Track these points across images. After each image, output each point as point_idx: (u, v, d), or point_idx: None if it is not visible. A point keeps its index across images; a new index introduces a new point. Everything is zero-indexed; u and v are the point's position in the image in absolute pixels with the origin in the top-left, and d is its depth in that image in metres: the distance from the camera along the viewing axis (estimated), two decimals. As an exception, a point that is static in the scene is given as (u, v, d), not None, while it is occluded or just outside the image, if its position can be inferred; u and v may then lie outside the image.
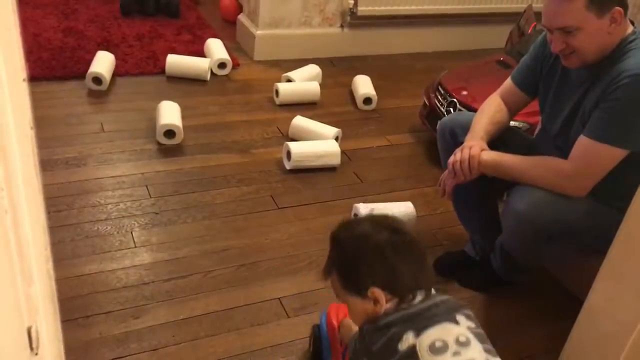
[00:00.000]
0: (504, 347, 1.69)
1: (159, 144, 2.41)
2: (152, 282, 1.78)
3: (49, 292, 0.54)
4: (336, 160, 2.40)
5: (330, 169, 2.40)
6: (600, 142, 1.50)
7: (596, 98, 1.52)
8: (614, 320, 1.04)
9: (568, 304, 1.19)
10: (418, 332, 1.07)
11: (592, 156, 1.53)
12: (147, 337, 1.61)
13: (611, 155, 1.51)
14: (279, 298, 1.78)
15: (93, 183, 2.16)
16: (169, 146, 2.40)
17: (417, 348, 1.05)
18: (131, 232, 1.96)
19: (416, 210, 2.11)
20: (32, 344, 0.45)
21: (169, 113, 2.46)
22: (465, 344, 1.07)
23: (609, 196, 1.54)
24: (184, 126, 2.44)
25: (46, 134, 2.34)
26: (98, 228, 1.96)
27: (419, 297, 1.12)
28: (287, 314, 1.74)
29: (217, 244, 1.96)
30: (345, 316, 1.45)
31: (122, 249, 1.89)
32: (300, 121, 2.56)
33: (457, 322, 1.10)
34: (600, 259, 1.31)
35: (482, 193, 1.81)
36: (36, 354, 0.48)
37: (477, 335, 1.10)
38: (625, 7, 1.48)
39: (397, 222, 1.21)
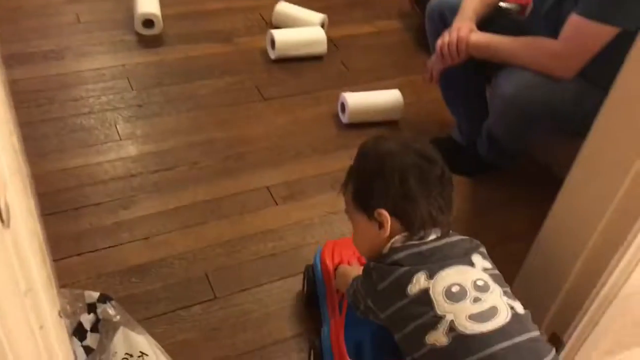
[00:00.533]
0: (487, 226, 1.75)
1: (138, 34, 2.32)
2: (140, 174, 1.79)
3: (16, 166, 0.53)
4: (322, 49, 2.34)
5: (317, 58, 2.34)
6: (591, 20, 1.46)
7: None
8: (590, 198, 1.06)
9: (553, 187, 1.20)
10: (431, 274, 0.96)
11: (582, 35, 1.49)
12: (138, 226, 1.63)
13: (602, 32, 1.47)
14: (267, 187, 1.80)
15: (73, 76, 2.11)
16: (148, 36, 2.32)
17: (431, 292, 0.95)
18: (115, 125, 1.93)
19: (404, 98, 2.09)
20: (1, 216, 0.45)
21: (147, 1, 2.35)
22: (483, 289, 0.97)
23: (598, 77, 1.51)
24: (163, 15, 2.34)
25: (21, 26, 2.25)
26: (82, 122, 1.93)
27: (432, 236, 1.02)
28: (275, 201, 1.76)
29: (203, 135, 1.95)
30: (340, 261, 1.35)
31: (107, 142, 1.87)
32: (284, 7, 2.47)
33: (472, 264, 1.00)
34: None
35: (470, 77, 1.79)
36: (8, 226, 0.47)
37: (494, 278, 1.00)
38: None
39: (432, 151, 1.07)
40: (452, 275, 0.97)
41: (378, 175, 1.04)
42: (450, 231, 1.06)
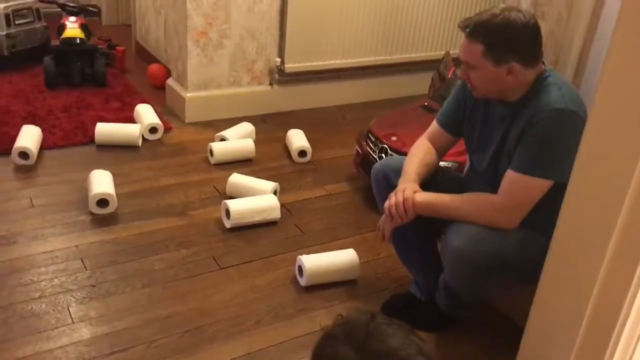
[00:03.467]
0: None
1: (92, 214, 2.34)
2: (94, 358, 1.70)
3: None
4: (276, 214, 2.40)
5: (271, 224, 2.39)
6: (526, 175, 1.57)
7: (519, 133, 1.60)
8: (550, 352, 1.07)
9: (517, 336, 1.21)
10: None
11: (519, 189, 1.60)
12: (91, 418, 1.52)
13: (537, 186, 1.58)
14: (228, 361, 1.73)
15: (24, 261, 2.07)
16: (102, 216, 2.34)
17: None
18: (68, 308, 1.87)
19: (359, 257, 2.13)
20: None
21: (101, 182, 2.41)
22: None
23: (540, 225, 1.60)
24: (117, 194, 2.39)
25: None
26: (32, 307, 1.87)
27: None
28: (238, 376, 1.69)
29: (159, 311, 1.90)
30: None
31: (58, 326, 1.80)
32: (237, 178, 2.56)
33: None
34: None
35: (420, 234, 1.85)
36: None
37: None
38: (529, 62, 1.60)
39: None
40: None
41: None
42: None
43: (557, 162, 1.56)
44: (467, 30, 1.58)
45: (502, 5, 1.66)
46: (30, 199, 2.42)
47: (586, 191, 1.15)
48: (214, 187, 2.63)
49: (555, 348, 1.05)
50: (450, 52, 3.18)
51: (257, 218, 2.36)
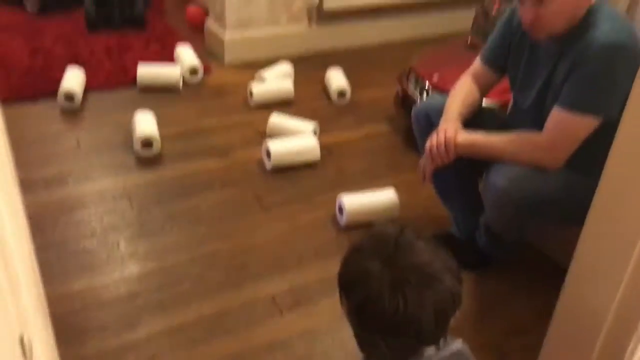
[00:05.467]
0: (493, 323, 1.74)
1: (137, 155, 2.40)
2: (143, 292, 1.78)
3: (37, 302, 0.55)
4: (316, 155, 2.41)
5: (312, 164, 2.41)
6: (573, 112, 1.53)
7: (566, 69, 1.55)
8: (596, 291, 1.07)
9: (557, 275, 1.21)
10: None
11: (565, 126, 1.56)
12: (144, 347, 1.61)
13: (584, 124, 1.54)
14: (271, 296, 1.79)
15: (75, 200, 2.15)
16: (147, 157, 2.40)
17: None
18: (117, 245, 1.95)
19: (399, 197, 2.13)
20: (25, 353, 0.46)
21: (145, 123, 2.45)
22: None
23: (586, 166, 1.56)
24: (160, 135, 2.43)
25: (22, 156, 2.31)
26: (84, 244, 1.95)
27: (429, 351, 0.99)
28: (281, 311, 1.75)
29: (205, 249, 1.97)
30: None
31: (109, 262, 1.88)
32: (277, 119, 2.57)
33: None
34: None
35: (461, 174, 1.84)
36: (31, 361, 0.48)
37: None
38: None
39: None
40: None
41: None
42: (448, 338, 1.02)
43: (606, 99, 1.51)
44: None
45: None
46: (77, 141, 2.48)
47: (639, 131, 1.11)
48: (254, 128, 2.64)
49: (601, 289, 1.05)
50: (496, -14, 3.05)
51: (298, 159, 2.38)
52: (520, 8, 1.59)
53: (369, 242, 1.02)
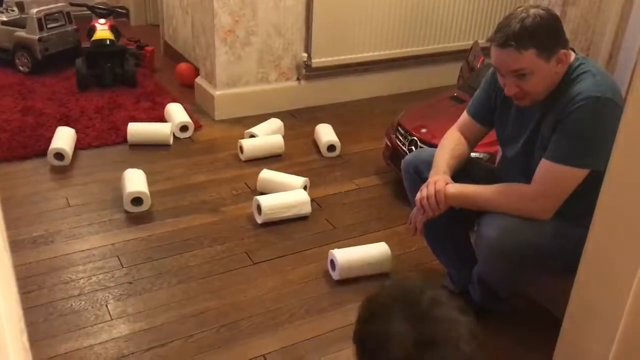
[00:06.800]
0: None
1: (127, 212, 2.38)
2: (132, 353, 1.74)
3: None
4: (307, 209, 2.41)
5: (302, 219, 2.40)
6: (560, 164, 1.55)
7: (553, 122, 1.58)
8: (589, 339, 1.06)
9: (555, 327, 1.19)
10: None
11: (554, 178, 1.57)
12: (132, 411, 1.55)
13: (572, 175, 1.55)
14: (263, 355, 1.75)
15: (63, 259, 2.12)
16: (137, 214, 2.38)
17: None
18: (106, 305, 1.92)
19: (391, 250, 2.12)
20: None
21: (135, 180, 2.45)
22: None
23: (575, 215, 1.58)
24: (150, 192, 2.43)
25: (11, 215, 2.30)
26: (71, 304, 1.91)
27: None
28: (273, 370, 1.70)
29: (195, 307, 1.93)
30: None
31: (98, 323, 1.84)
32: (268, 174, 2.58)
33: None
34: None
35: (452, 226, 1.84)
36: None
37: None
38: (567, 46, 1.57)
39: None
40: None
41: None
42: None
43: (593, 150, 1.53)
44: (513, 43, 1.53)
45: (517, 9, 1.61)
46: (67, 199, 2.47)
47: (625, 180, 1.13)
48: (245, 183, 2.65)
49: (595, 340, 1.04)
50: (479, 41, 3.14)
51: (288, 213, 2.37)
52: (501, 79, 1.63)
53: (391, 298, 0.98)
